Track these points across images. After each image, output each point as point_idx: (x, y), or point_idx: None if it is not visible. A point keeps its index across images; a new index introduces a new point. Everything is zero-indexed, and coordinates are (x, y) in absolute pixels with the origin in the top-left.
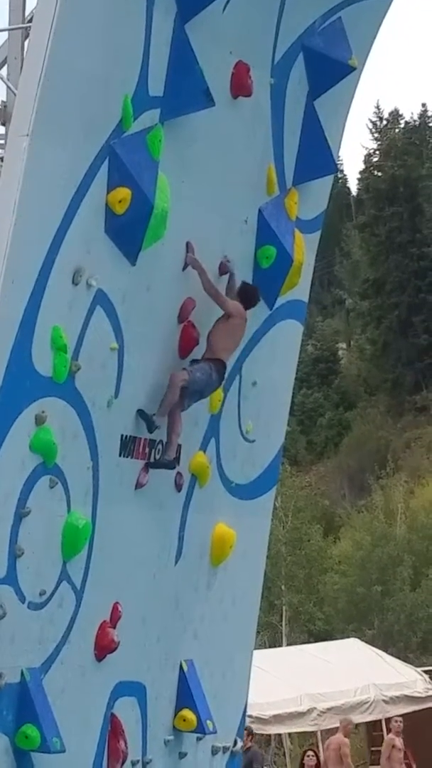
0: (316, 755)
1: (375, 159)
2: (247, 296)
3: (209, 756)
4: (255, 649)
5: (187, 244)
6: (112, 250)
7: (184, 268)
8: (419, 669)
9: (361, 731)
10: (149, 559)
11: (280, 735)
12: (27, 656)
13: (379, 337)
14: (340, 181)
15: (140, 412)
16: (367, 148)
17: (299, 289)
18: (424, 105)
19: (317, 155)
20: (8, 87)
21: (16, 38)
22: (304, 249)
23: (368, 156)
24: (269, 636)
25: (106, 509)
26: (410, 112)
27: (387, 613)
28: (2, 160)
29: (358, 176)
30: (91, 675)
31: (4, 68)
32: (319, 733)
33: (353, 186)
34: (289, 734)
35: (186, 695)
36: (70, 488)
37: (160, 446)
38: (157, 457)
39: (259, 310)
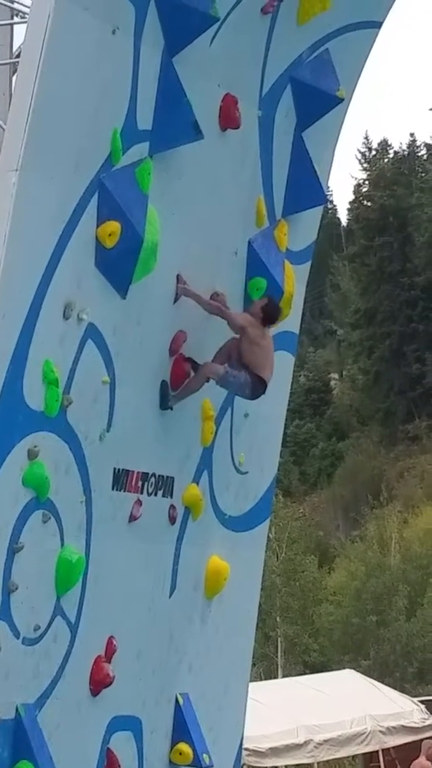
0: None
1: (364, 189)
2: (271, 311)
3: None
4: (250, 681)
5: (178, 277)
6: (103, 284)
7: (175, 301)
8: (416, 699)
9: (358, 763)
10: (143, 593)
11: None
12: (22, 692)
13: (371, 367)
14: (330, 211)
15: (164, 384)
16: (356, 179)
17: (290, 320)
18: (412, 135)
19: (306, 186)
20: None
21: (4, 73)
22: (295, 280)
23: (358, 186)
24: (264, 668)
25: (100, 543)
26: (399, 142)
27: (382, 643)
28: None
29: (348, 206)
30: (87, 710)
31: None
32: (315, 765)
33: (343, 216)
34: (286, 767)
35: (182, 729)
36: (64, 522)
37: (152, 479)
38: (150, 490)
39: None
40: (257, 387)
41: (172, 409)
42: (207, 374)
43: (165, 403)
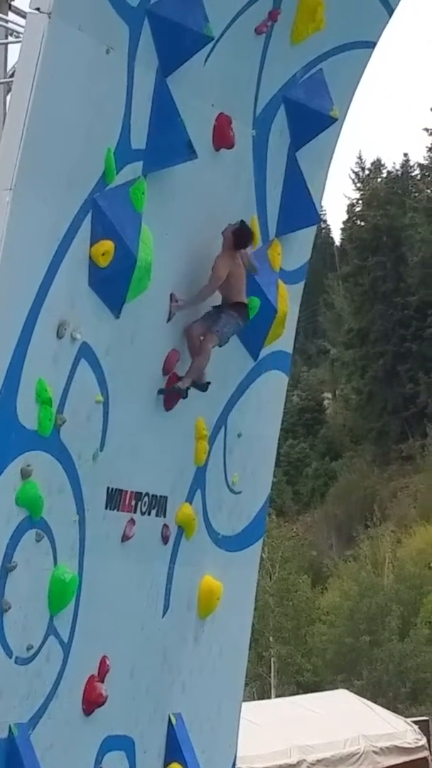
0: None
1: (358, 209)
2: (242, 234)
3: None
4: (243, 700)
5: (171, 296)
6: (96, 303)
7: (168, 320)
8: (409, 719)
9: None
10: (137, 612)
11: None
12: (15, 711)
13: (365, 387)
14: (324, 231)
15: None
16: (349, 198)
17: (283, 339)
18: (406, 155)
19: (300, 206)
20: None
21: None
22: (288, 300)
23: (351, 206)
24: (258, 688)
25: (93, 562)
26: (392, 162)
27: (376, 663)
28: None
29: (342, 226)
30: (80, 729)
31: None
32: None
33: (336, 236)
34: None
35: (175, 749)
36: (57, 542)
37: (146, 498)
38: (143, 509)
39: (244, 361)
40: (242, 314)
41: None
42: (209, 348)
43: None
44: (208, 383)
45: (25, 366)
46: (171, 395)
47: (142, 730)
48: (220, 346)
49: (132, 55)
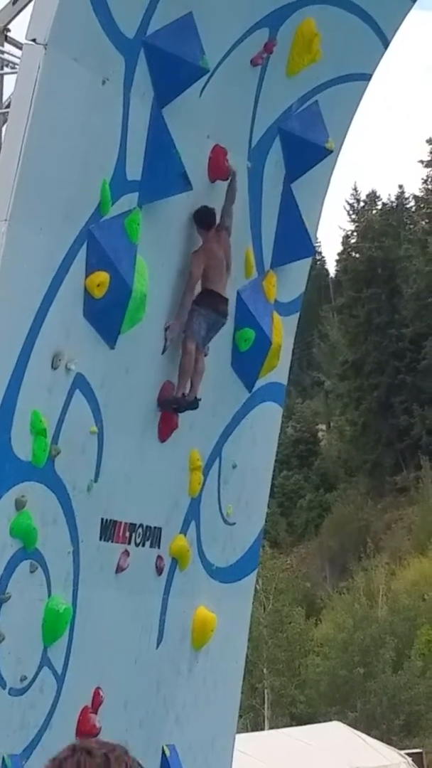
0: None
1: (353, 241)
2: (201, 217)
3: None
4: (237, 732)
5: (166, 328)
6: (91, 334)
7: (163, 351)
8: (402, 752)
9: None
10: (130, 644)
11: None
12: (8, 742)
13: (359, 419)
14: (318, 262)
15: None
16: (344, 230)
17: (278, 371)
18: (401, 187)
19: (295, 238)
20: None
21: None
22: (283, 331)
23: (346, 238)
24: (251, 719)
25: (87, 593)
26: (387, 194)
27: (369, 695)
28: None
29: (336, 258)
30: None
31: None
32: None
33: (331, 267)
34: None
35: None
36: (51, 573)
37: (140, 529)
38: (138, 540)
39: (239, 392)
40: (217, 306)
41: (201, 399)
42: (191, 349)
43: (194, 405)
44: (198, 399)
45: (20, 397)
46: (167, 420)
47: None
48: (202, 346)
49: (128, 86)
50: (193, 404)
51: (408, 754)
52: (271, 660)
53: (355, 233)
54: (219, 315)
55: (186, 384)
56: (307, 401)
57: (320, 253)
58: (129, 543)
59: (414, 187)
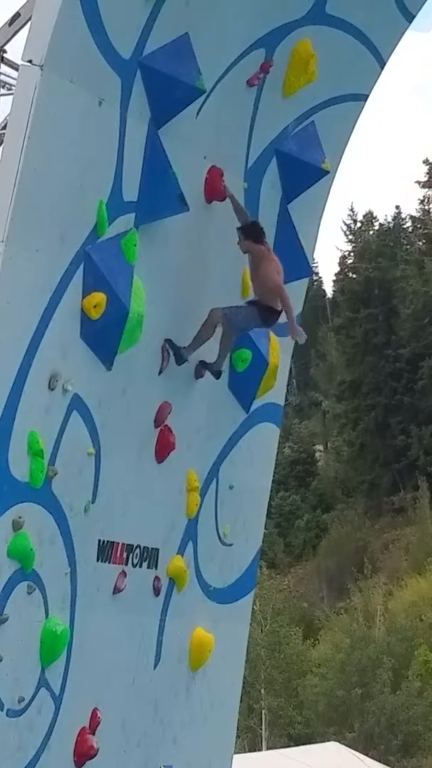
0: None
1: (350, 261)
2: (254, 230)
3: None
4: (234, 753)
5: (163, 348)
6: (88, 355)
7: (160, 372)
8: None
9: None
10: (128, 665)
11: None
12: (6, 764)
13: (356, 439)
14: (315, 283)
15: (169, 342)
16: (341, 251)
17: (275, 391)
18: (397, 207)
19: (292, 258)
20: None
21: None
22: (280, 352)
23: (343, 258)
24: (249, 740)
25: (85, 615)
26: (384, 215)
27: (367, 715)
28: None
29: (333, 278)
30: None
31: None
32: None
33: (328, 288)
34: None
35: None
36: (48, 594)
37: (137, 550)
38: (135, 561)
39: (236, 413)
40: (267, 315)
41: (188, 361)
42: (214, 322)
43: (179, 358)
44: (221, 372)
45: (17, 418)
46: (164, 441)
47: None
48: (227, 327)
49: (124, 107)
50: (216, 374)
51: None
52: (269, 681)
53: (352, 254)
54: (263, 324)
55: (195, 347)
56: (305, 422)
57: (317, 273)
58: (126, 564)
59: (411, 208)
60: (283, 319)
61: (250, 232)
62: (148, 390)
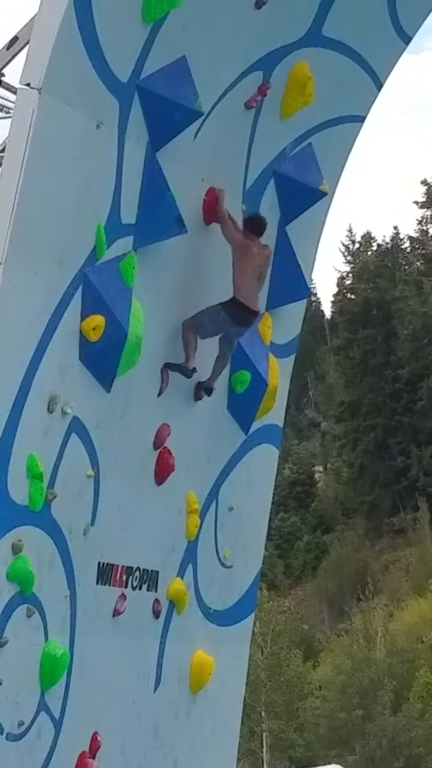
0: None
1: (348, 282)
2: (253, 223)
3: None
4: None
5: (162, 371)
6: (87, 378)
7: (159, 394)
8: None
9: None
10: (128, 688)
11: None
12: None
13: (356, 460)
14: (314, 304)
15: (168, 365)
16: (340, 272)
17: (274, 413)
18: (395, 228)
19: (290, 280)
20: None
21: None
22: (279, 373)
23: (341, 279)
24: (250, 763)
25: (84, 638)
26: (382, 235)
27: (368, 738)
28: None
29: (332, 299)
30: None
31: None
32: None
33: (327, 309)
34: None
35: None
36: (48, 617)
37: (137, 573)
38: (135, 584)
39: (235, 435)
40: (242, 315)
41: (196, 371)
42: (188, 330)
43: (186, 371)
44: (212, 389)
45: (16, 441)
46: (163, 463)
47: None
48: (201, 338)
49: (122, 129)
50: (208, 391)
51: None
52: (270, 703)
53: (350, 274)
54: (240, 326)
55: (191, 356)
56: (304, 443)
57: (316, 294)
58: (126, 587)
59: (409, 228)
60: (279, 339)
61: (248, 222)
62: (147, 412)
